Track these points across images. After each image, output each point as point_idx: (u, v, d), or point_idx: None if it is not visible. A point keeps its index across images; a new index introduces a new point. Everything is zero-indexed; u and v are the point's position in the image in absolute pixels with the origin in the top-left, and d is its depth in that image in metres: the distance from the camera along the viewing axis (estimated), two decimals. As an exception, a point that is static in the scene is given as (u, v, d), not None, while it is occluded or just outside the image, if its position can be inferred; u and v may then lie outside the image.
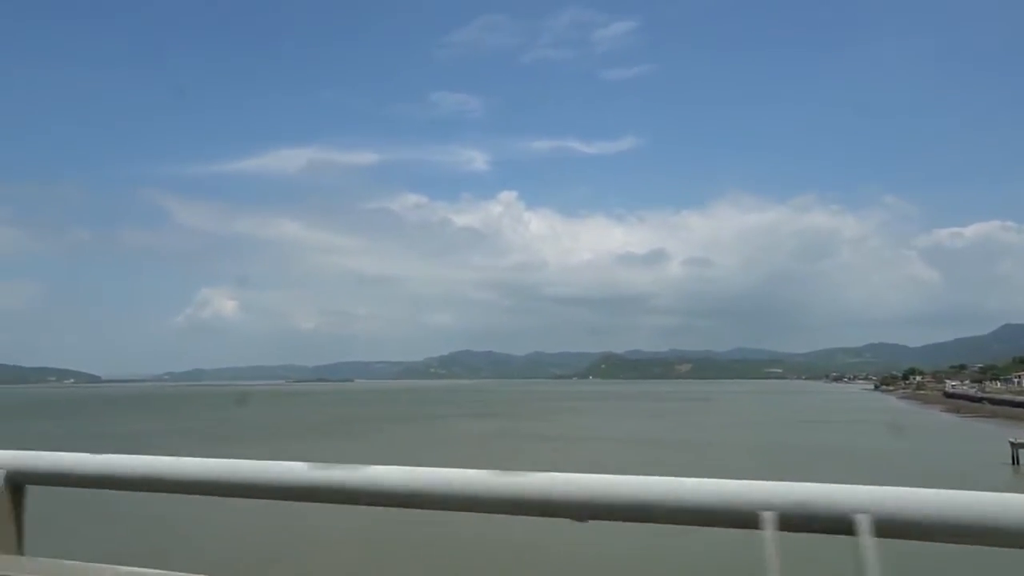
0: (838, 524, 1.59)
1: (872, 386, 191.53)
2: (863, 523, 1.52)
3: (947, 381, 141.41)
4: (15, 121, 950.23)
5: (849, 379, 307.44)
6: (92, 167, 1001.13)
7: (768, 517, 1.62)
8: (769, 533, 1.61)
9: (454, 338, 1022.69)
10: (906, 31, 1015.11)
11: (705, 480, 1.75)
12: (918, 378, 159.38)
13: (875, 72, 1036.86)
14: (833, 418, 67.06)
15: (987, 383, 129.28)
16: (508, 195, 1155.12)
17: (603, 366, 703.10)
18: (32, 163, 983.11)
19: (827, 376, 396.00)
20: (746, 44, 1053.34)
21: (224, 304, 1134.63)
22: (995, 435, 43.78)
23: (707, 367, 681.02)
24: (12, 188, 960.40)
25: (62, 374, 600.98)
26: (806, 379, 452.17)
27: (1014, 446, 36.57)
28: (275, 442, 42.58)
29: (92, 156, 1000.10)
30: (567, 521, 1.79)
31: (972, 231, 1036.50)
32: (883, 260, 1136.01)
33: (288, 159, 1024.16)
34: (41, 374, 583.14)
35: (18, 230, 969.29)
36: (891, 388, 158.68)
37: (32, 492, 2.31)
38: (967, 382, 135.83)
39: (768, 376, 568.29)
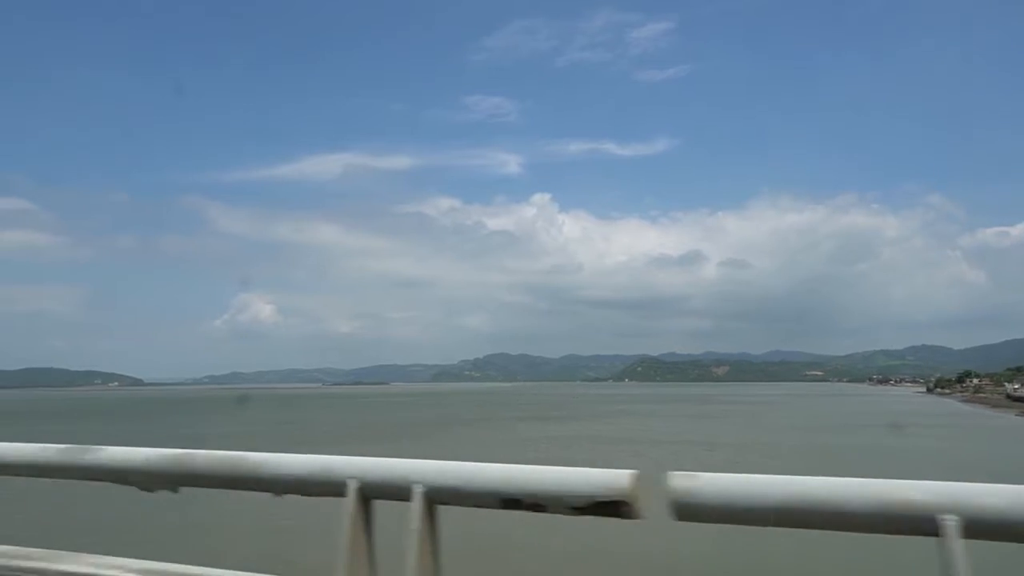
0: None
1: (924, 389, 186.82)
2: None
3: (1007, 384, 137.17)
4: (58, 129, 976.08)
5: (896, 382, 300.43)
6: (135, 174, 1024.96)
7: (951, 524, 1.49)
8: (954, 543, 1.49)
9: (488, 341, 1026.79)
10: (949, 29, 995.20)
11: (868, 481, 1.64)
12: (975, 381, 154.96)
13: (917, 70, 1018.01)
14: (910, 421, 64.91)
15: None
16: (541, 197, 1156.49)
17: (639, 369, 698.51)
18: (76, 171, 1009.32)
19: (870, 379, 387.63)
20: (782, 43, 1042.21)
21: (261, 308, 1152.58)
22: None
23: (744, 370, 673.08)
24: (57, 195, 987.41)
25: (107, 377, 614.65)
26: (848, 382, 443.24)
27: None
28: (361, 444, 42.25)
29: (135, 163, 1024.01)
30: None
31: (1019, 230, 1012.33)
32: (925, 261, 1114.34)
33: (325, 164, 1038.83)
34: (88, 377, 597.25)
35: (63, 237, 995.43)
36: (947, 391, 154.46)
37: None
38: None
39: (808, 379, 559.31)
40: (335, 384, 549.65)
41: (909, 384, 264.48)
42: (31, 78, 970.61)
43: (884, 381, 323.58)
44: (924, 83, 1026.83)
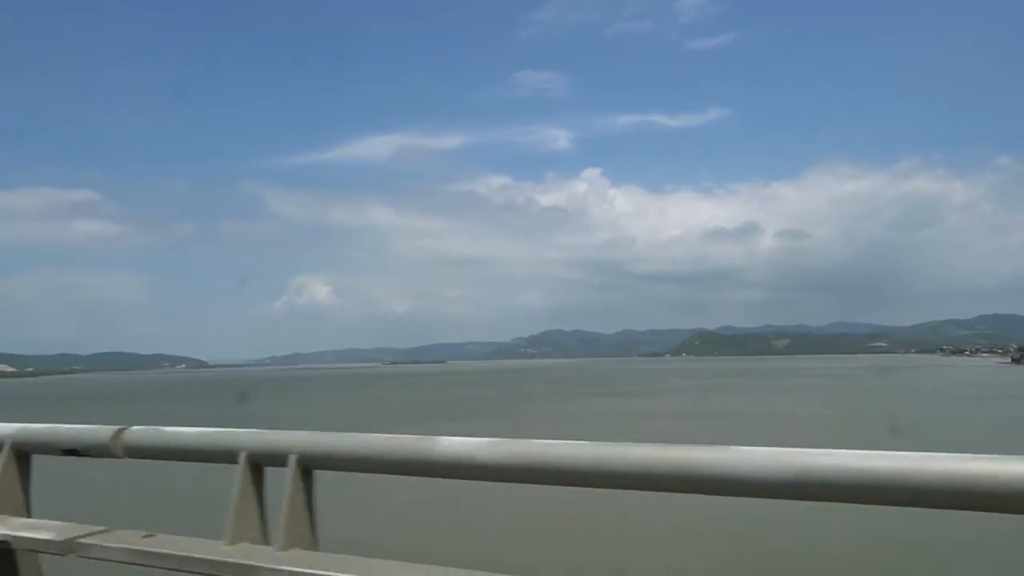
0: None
1: (1008, 359, 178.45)
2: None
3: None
4: (121, 119, 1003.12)
5: (971, 352, 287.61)
6: (195, 161, 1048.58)
7: None
8: None
9: (542, 317, 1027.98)
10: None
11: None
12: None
13: (981, 23, 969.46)
14: (1016, 393, 61.07)
15: None
16: (592, 172, 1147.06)
17: (697, 343, 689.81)
18: (140, 160, 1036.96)
19: (941, 349, 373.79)
20: (836, 4, 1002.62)
21: (319, 290, 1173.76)
22: None
23: (805, 342, 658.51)
24: (122, 185, 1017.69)
25: (174, 360, 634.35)
26: (916, 353, 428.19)
27: None
28: (457, 422, 41.24)
29: (196, 151, 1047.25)
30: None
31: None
32: (995, 226, 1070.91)
33: (377, 146, 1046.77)
34: (155, 360, 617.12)
35: (129, 226, 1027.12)
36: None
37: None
38: None
39: (873, 351, 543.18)
40: (393, 363, 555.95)
41: (986, 354, 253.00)
42: (94, 70, 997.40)
43: (958, 352, 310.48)
44: (989, 34, 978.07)
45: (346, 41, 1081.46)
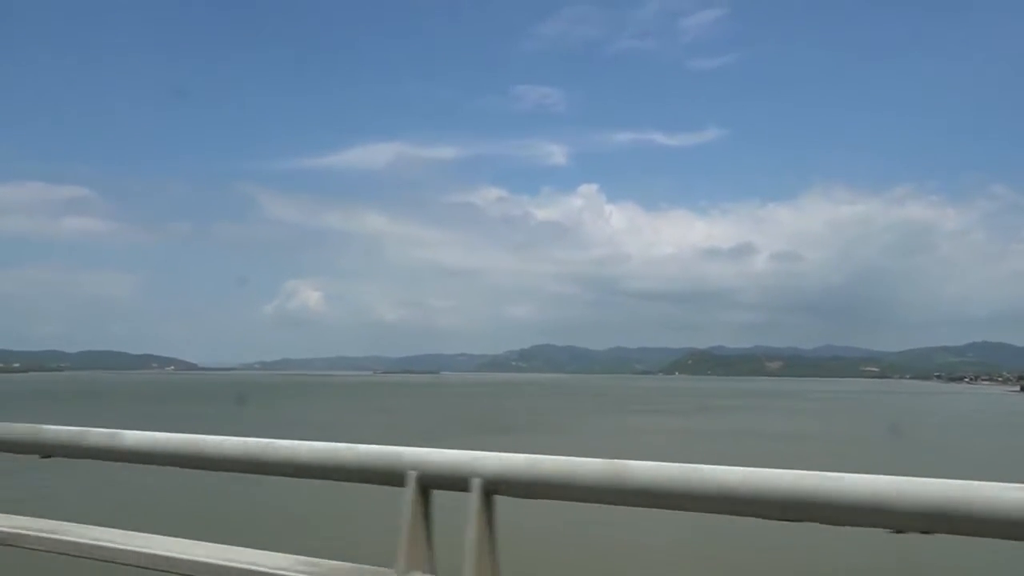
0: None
1: (1018, 387, 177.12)
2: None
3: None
4: (118, 116, 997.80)
5: (970, 379, 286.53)
6: (191, 161, 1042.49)
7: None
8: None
9: (534, 331, 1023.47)
10: (1015, 11, 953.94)
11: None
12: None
13: (979, 52, 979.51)
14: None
15: None
16: (588, 188, 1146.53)
17: (689, 362, 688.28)
18: (134, 158, 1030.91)
19: (937, 376, 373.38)
20: (836, 29, 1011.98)
21: (310, 295, 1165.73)
22: None
23: (797, 365, 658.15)
24: (115, 182, 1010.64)
25: (163, 361, 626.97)
26: (911, 379, 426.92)
27: None
28: (524, 435, 38.80)
29: (191, 150, 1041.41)
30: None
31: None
32: (987, 254, 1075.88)
33: (375, 153, 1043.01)
34: (145, 361, 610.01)
35: (120, 223, 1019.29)
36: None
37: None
38: None
39: (864, 375, 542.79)
40: (385, 372, 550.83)
41: (987, 381, 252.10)
42: (91, 64, 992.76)
43: (958, 378, 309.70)
44: (987, 64, 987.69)
45: (348, 46, 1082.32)
